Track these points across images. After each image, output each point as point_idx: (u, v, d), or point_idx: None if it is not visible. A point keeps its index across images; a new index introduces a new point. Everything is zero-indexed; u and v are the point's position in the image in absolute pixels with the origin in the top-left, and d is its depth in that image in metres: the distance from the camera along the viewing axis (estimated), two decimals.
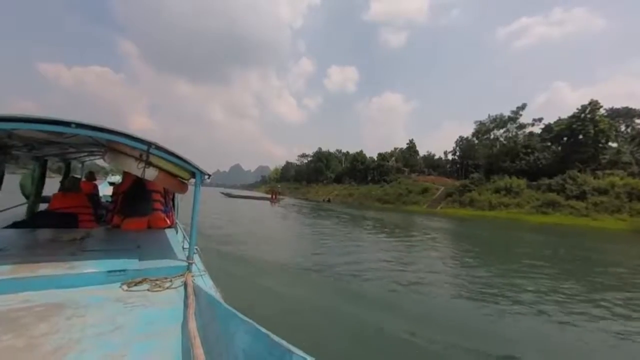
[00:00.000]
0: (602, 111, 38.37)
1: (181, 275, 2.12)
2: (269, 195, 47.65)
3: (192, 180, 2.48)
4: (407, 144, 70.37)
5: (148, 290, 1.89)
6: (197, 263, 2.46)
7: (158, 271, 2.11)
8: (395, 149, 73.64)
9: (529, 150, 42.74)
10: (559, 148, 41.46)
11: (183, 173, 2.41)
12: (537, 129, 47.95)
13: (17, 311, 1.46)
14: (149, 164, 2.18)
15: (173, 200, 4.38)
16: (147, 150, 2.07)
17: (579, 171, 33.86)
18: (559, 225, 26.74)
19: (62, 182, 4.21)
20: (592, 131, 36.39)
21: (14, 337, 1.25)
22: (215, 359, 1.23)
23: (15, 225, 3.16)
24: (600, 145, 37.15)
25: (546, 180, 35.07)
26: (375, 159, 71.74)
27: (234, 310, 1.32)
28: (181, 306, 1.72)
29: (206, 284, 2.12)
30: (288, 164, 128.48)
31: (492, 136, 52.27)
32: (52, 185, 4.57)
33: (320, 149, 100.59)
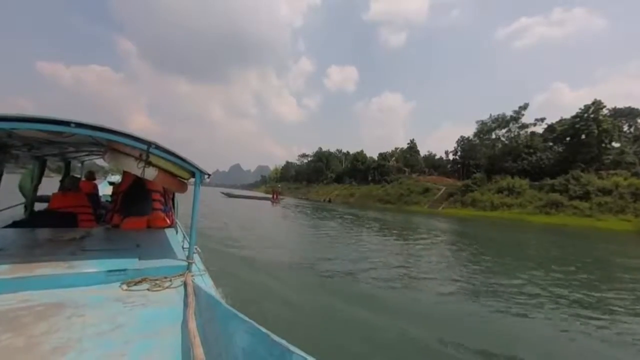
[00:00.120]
0: (604, 111, 38.24)
1: (181, 274, 2.12)
2: (270, 195, 47.65)
3: (192, 180, 2.48)
4: (408, 143, 70.31)
5: (148, 289, 1.89)
6: (197, 263, 2.47)
7: (158, 271, 2.10)
8: (396, 148, 73.64)
9: (531, 150, 42.57)
10: (562, 148, 41.30)
11: (183, 172, 2.42)
12: (539, 129, 47.86)
13: (16, 311, 1.46)
14: (148, 163, 2.19)
15: (173, 200, 4.38)
16: (146, 149, 2.07)
17: (582, 171, 33.71)
18: (564, 226, 26.49)
19: (61, 182, 4.22)
20: (595, 131, 36.23)
21: (13, 337, 1.24)
22: (215, 359, 1.23)
23: (14, 224, 3.17)
24: (604, 145, 36.99)
25: (549, 181, 34.93)
26: (376, 158, 71.76)
27: (234, 310, 1.32)
28: (181, 306, 1.71)
29: (206, 283, 2.12)
30: (288, 163, 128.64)
31: (493, 136, 52.09)
32: (51, 184, 4.57)
33: (320, 148, 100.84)
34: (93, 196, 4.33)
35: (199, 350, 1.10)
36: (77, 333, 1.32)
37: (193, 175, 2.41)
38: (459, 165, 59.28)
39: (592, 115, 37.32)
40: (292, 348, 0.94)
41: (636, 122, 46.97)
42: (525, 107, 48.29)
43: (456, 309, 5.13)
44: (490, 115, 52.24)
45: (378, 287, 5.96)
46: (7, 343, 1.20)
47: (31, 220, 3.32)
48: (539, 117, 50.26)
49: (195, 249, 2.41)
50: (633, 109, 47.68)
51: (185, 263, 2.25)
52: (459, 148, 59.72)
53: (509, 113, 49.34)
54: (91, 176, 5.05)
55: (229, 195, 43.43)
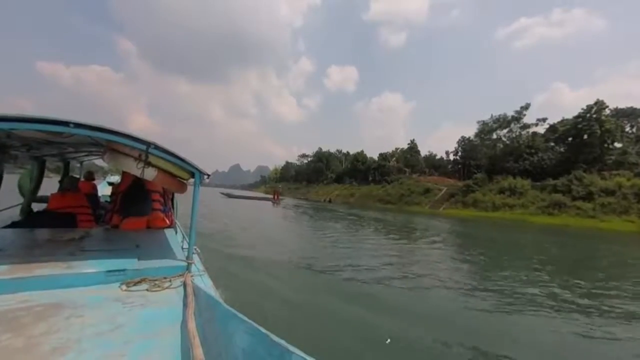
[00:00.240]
0: (606, 111, 38.11)
1: (180, 275, 2.12)
2: (270, 196, 47.69)
3: (191, 180, 2.48)
4: (408, 144, 70.23)
5: (147, 290, 1.88)
6: (197, 263, 2.47)
7: (157, 271, 2.10)
8: (397, 149, 73.59)
9: (533, 151, 42.45)
10: (564, 148, 41.17)
11: (182, 173, 2.41)
12: (540, 129, 47.73)
13: (15, 311, 1.45)
14: (148, 163, 2.18)
15: (172, 200, 4.37)
16: (146, 150, 2.06)
17: (585, 172, 33.57)
18: (567, 227, 26.33)
19: (60, 182, 4.22)
20: (598, 131, 36.10)
21: (12, 337, 1.24)
22: (214, 359, 1.22)
23: (13, 225, 3.16)
24: (606, 145, 36.85)
25: (551, 181, 34.81)
26: (376, 159, 71.73)
27: (234, 310, 1.31)
28: (180, 306, 1.71)
29: (205, 284, 2.11)
30: (288, 164, 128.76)
31: (495, 136, 52.00)
32: (51, 185, 4.57)
33: (320, 149, 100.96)
34: (92, 196, 4.32)
35: (198, 351, 1.10)
36: (77, 333, 1.32)
37: (192, 175, 2.40)
38: (459, 166, 59.21)
39: (594, 116, 37.19)
40: (291, 348, 0.94)
41: (638, 123, 46.80)
42: (527, 107, 48.17)
43: (456, 308, 5.12)
44: (492, 115, 52.27)
45: (378, 287, 5.94)
46: (6, 344, 1.20)
47: (30, 221, 3.31)
48: (539, 117, 50.19)
49: (195, 249, 2.41)
50: (635, 109, 47.54)
51: (184, 263, 2.25)
52: (459, 148, 59.66)
53: (510, 113, 49.36)
54: (90, 176, 5.05)
55: (229, 196, 43.12)
